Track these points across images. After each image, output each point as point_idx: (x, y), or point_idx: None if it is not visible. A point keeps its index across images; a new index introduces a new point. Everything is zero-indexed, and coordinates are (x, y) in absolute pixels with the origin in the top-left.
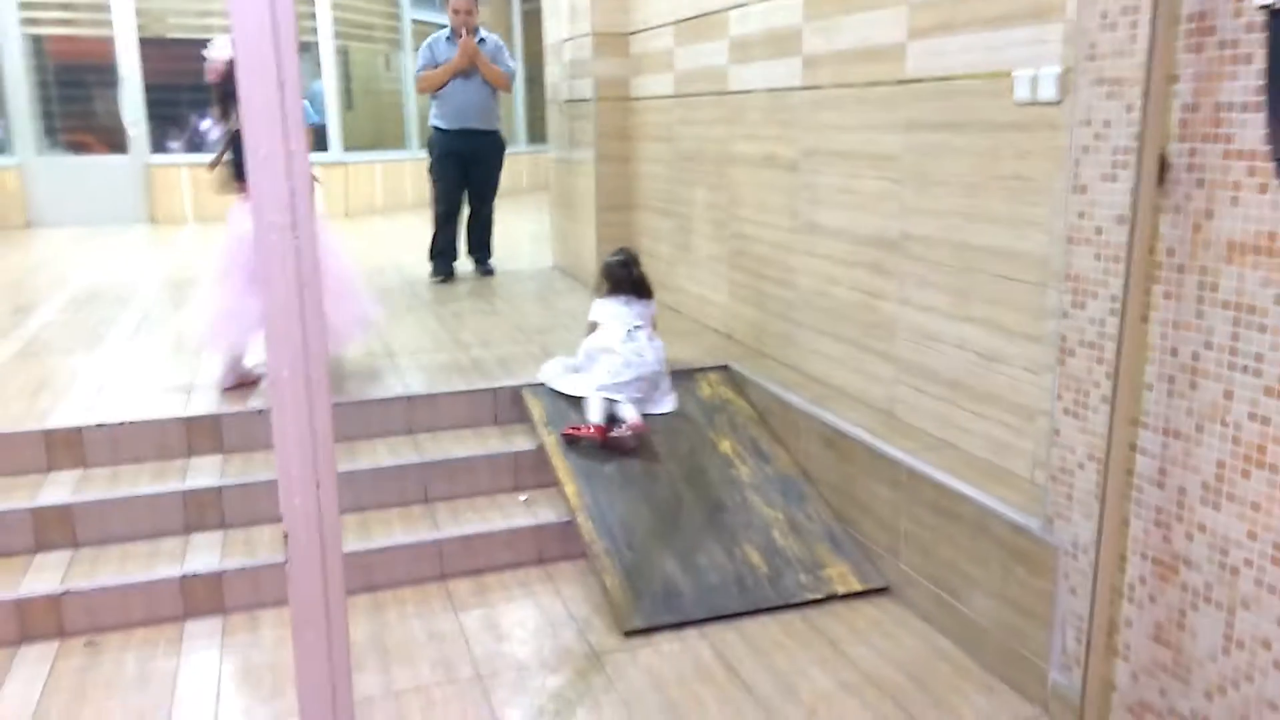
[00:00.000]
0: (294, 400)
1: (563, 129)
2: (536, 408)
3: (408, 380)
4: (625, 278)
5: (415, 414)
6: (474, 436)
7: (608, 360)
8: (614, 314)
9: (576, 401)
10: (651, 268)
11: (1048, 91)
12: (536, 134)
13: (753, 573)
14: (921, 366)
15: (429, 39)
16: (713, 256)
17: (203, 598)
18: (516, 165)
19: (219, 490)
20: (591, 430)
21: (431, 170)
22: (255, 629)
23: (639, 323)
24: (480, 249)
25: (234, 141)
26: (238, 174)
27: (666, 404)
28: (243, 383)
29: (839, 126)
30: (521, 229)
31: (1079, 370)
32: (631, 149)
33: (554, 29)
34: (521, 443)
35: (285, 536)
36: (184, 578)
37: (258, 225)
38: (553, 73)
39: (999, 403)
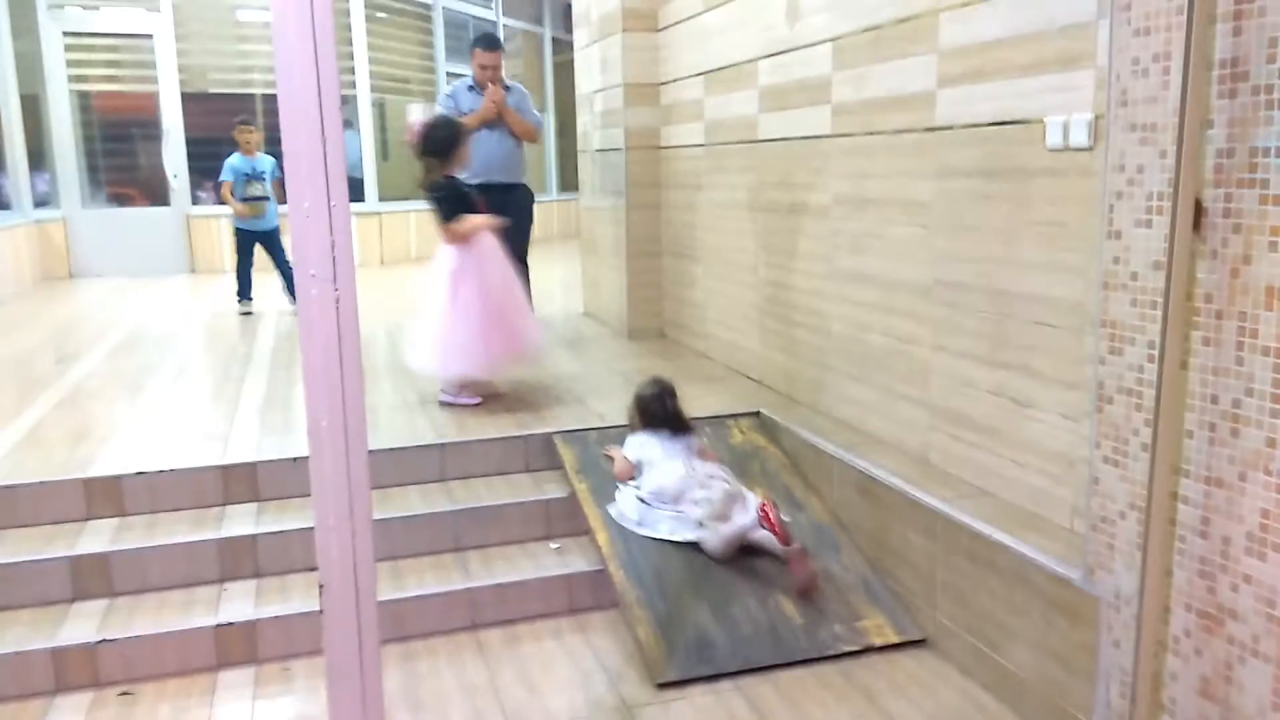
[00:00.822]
0: (332, 450)
1: (594, 177)
2: (568, 455)
3: (440, 428)
4: (660, 412)
5: (448, 461)
6: (505, 484)
7: (692, 495)
8: (663, 452)
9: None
10: (682, 313)
11: (1079, 138)
12: (567, 182)
13: (787, 623)
14: (956, 413)
15: (450, 88)
16: (744, 302)
17: (236, 647)
18: (548, 213)
19: (254, 538)
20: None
21: None
22: (288, 679)
23: (693, 454)
24: None
25: (436, 190)
26: (443, 218)
27: (752, 510)
28: (464, 402)
29: (869, 174)
30: (552, 275)
31: (1117, 417)
32: (662, 196)
33: (586, 80)
34: (553, 490)
35: (320, 587)
36: (218, 627)
37: (300, 277)
38: (584, 122)
39: (1036, 450)
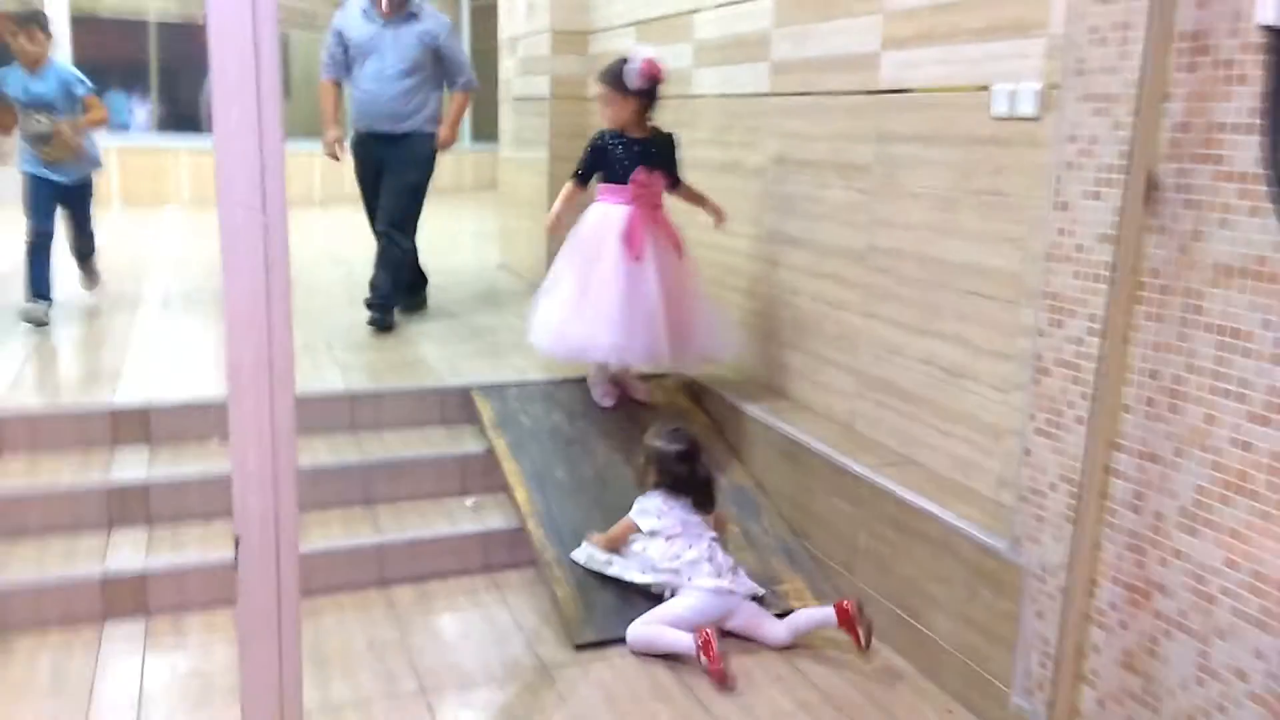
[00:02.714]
0: (255, 391)
1: (514, 126)
2: (486, 409)
3: (350, 376)
4: (686, 477)
5: (358, 412)
6: (419, 437)
7: (701, 573)
8: (683, 527)
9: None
10: None
11: (1027, 106)
12: (481, 132)
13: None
14: (884, 381)
15: (336, 17)
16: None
17: (125, 598)
18: (460, 164)
19: (145, 486)
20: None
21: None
22: (181, 633)
23: (713, 534)
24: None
25: (594, 148)
26: (602, 176)
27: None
28: (623, 393)
29: (808, 135)
30: (465, 227)
31: (1054, 390)
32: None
33: (509, 24)
34: (470, 445)
35: (236, 540)
36: (105, 577)
37: (223, 203)
38: (506, 68)
39: (965, 420)
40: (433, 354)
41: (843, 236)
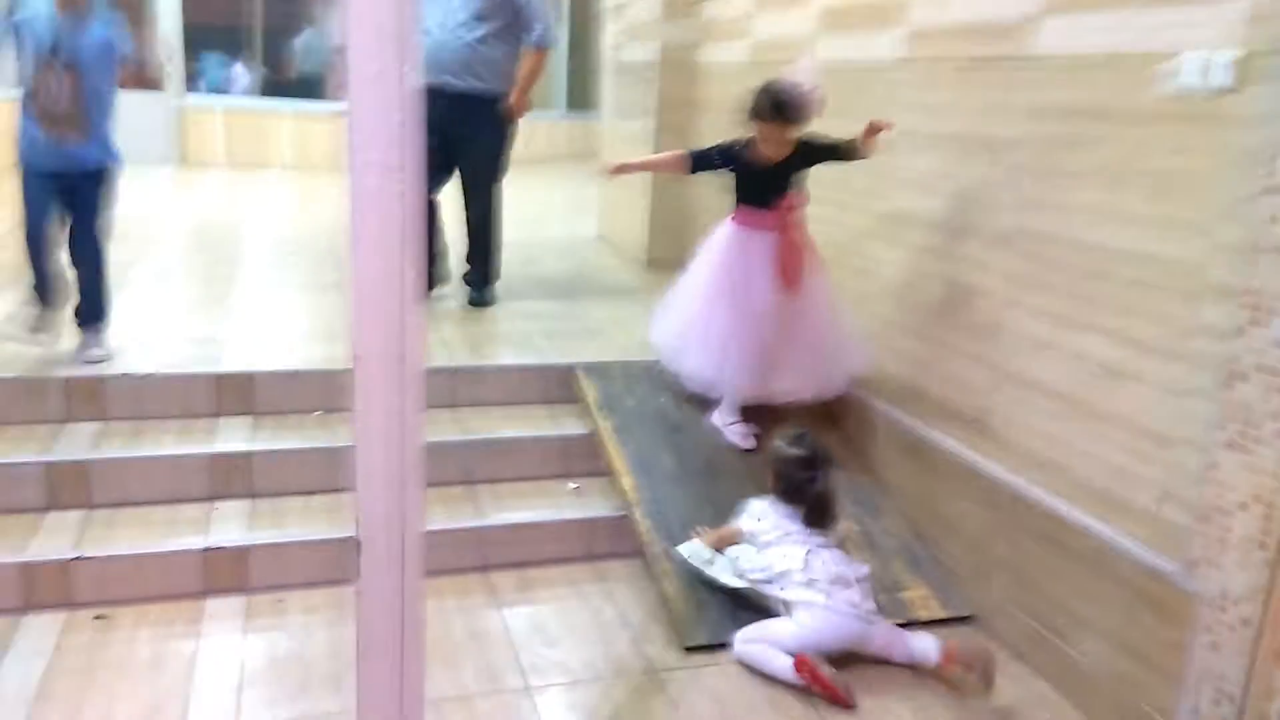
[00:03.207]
0: (385, 383)
1: (617, 96)
2: (590, 390)
3: (451, 351)
4: (801, 486)
5: (459, 388)
6: (521, 416)
7: (793, 582)
8: (777, 526)
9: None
10: None
11: (1221, 78)
12: (578, 100)
13: None
14: (1026, 376)
15: None
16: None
17: (226, 573)
18: (554, 133)
19: (249, 456)
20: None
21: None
22: (281, 612)
23: (821, 541)
24: (476, 266)
25: (729, 157)
26: (740, 195)
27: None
28: (739, 441)
29: (945, 107)
30: (560, 199)
31: (1250, 398)
32: (695, 119)
33: None
34: (572, 426)
35: (358, 545)
36: (207, 550)
37: (354, 162)
38: (610, 34)
39: (1123, 424)
40: (532, 329)
41: (982, 217)
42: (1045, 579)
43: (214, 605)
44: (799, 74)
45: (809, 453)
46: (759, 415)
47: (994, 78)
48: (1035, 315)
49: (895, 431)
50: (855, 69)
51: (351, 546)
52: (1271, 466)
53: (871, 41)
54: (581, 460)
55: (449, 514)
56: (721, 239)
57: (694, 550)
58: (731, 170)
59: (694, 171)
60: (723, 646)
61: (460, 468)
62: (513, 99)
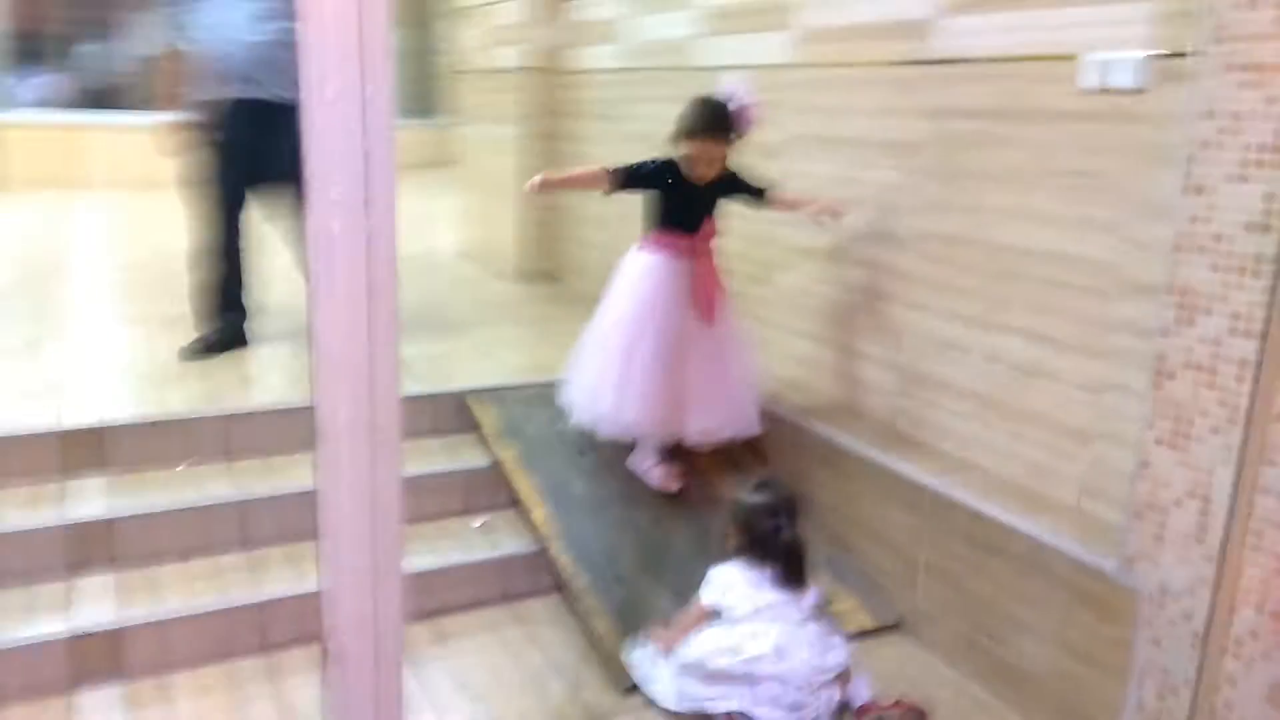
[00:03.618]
0: (353, 455)
1: (479, 101)
2: (487, 418)
3: None
4: (769, 538)
5: None
6: (413, 451)
7: (770, 687)
8: (756, 600)
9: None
10: (586, 257)
11: (1124, 79)
12: (422, 105)
13: None
14: (936, 378)
15: None
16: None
17: (98, 659)
18: (399, 140)
19: (109, 522)
20: None
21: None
22: (169, 699)
23: (800, 615)
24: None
25: (658, 174)
26: (663, 218)
27: (863, 687)
28: (661, 484)
29: (841, 111)
30: (413, 211)
31: (1181, 395)
32: (564, 126)
33: None
34: (470, 458)
35: (325, 651)
36: (73, 636)
37: (313, 202)
38: (472, 37)
39: (1040, 422)
40: (412, 355)
41: (884, 220)
42: (974, 582)
43: (87, 699)
44: (733, 88)
45: (772, 498)
46: (679, 454)
47: (894, 80)
48: (941, 317)
49: (807, 442)
50: (744, 73)
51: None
52: (1205, 463)
53: (757, 44)
54: (485, 494)
55: None
56: (639, 269)
57: (640, 658)
58: (659, 189)
59: (617, 190)
60: None
61: None
62: None
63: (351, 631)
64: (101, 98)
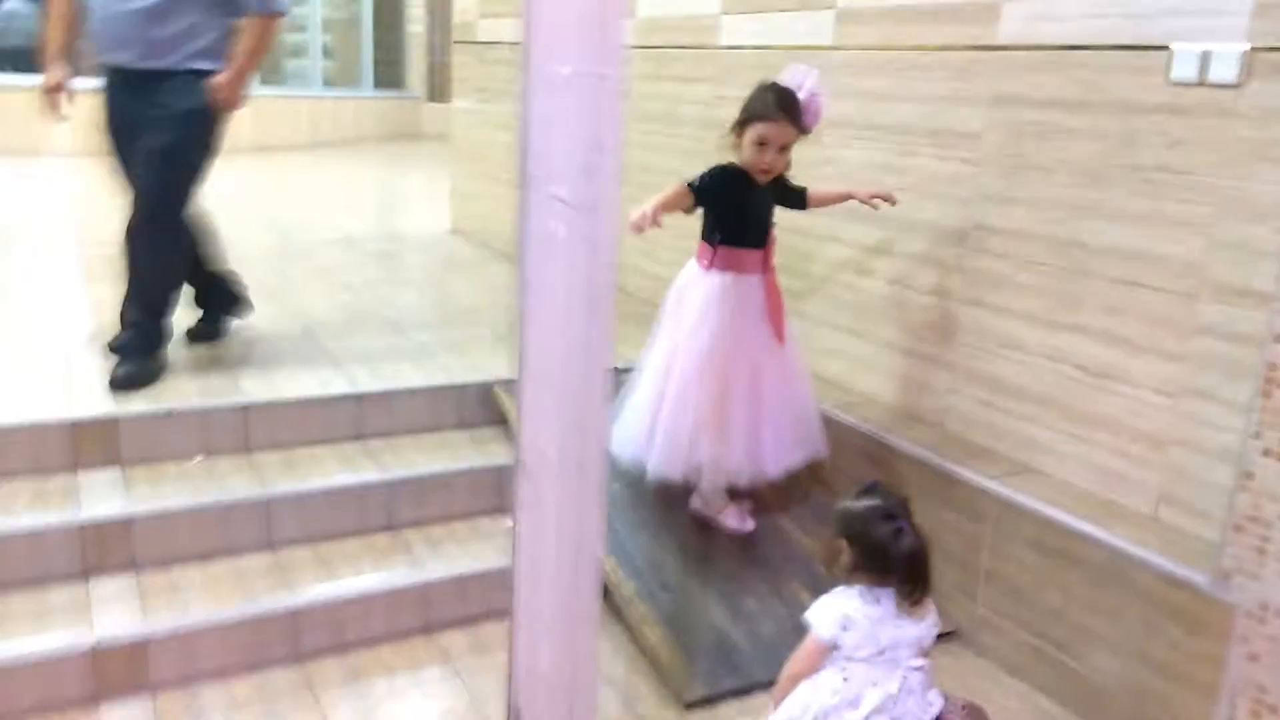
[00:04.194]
0: (561, 496)
1: (476, 75)
2: (516, 410)
3: (351, 371)
4: (889, 546)
5: (366, 417)
6: (439, 445)
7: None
8: (879, 638)
9: None
10: None
11: (1224, 72)
12: (387, 77)
13: None
14: (992, 377)
15: None
16: (689, 233)
17: (122, 672)
18: (363, 112)
19: (128, 521)
20: None
21: None
22: (198, 712)
23: (916, 663)
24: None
25: (723, 179)
26: (724, 232)
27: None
28: (735, 525)
29: (887, 97)
30: (392, 186)
31: None
32: None
33: None
34: (500, 453)
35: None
36: (95, 646)
37: (529, 199)
38: (464, 10)
39: (1110, 427)
40: (428, 341)
41: (935, 212)
42: (1042, 591)
43: (111, 714)
44: (802, 76)
45: (885, 501)
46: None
47: (949, 65)
48: (1000, 314)
49: (854, 442)
50: (774, 53)
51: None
52: None
53: (792, 25)
54: None
55: (380, 566)
56: (709, 292)
57: None
58: (729, 197)
59: (697, 205)
60: (725, 696)
61: (384, 512)
62: (218, 81)
63: (541, 695)
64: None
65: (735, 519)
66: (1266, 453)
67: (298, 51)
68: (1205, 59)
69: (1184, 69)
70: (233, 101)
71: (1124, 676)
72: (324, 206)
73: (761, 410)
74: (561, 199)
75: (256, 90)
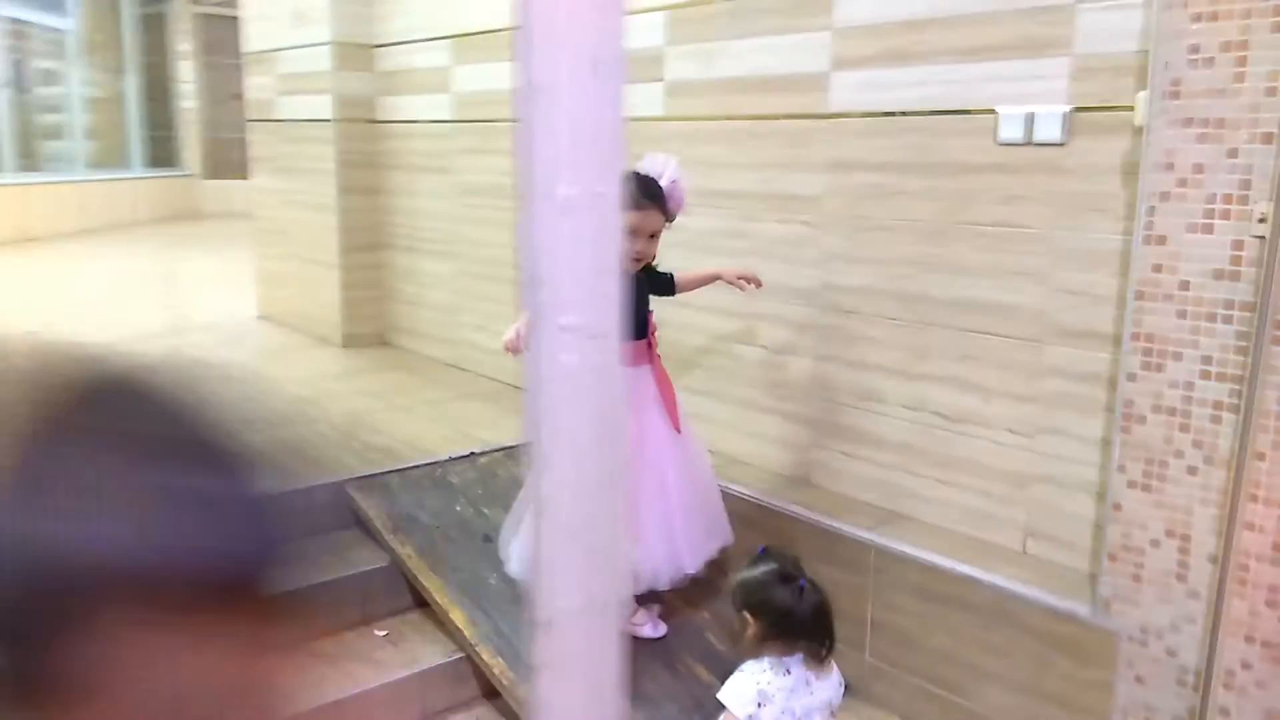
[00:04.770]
0: (586, 649)
1: (277, 153)
2: (372, 510)
3: None
4: (794, 607)
5: None
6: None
7: None
8: (790, 707)
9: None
10: (418, 317)
11: (1049, 132)
12: (159, 156)
13: (706, 690)
14: (853, 429)
15: None
16: (515, 305)
17: None
18: (136, 194)
19: None
20: None
21: None
22: None
23: (829, 711)
24: None
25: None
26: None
27: None
28: (650, 633)
29: (723, 164)
30: (189, 272)
31: (1152, 438)
32: (385, 179)
33: (260, 34)
34: (361, 559)
35: None
36: None
37: (540, 329)
38: (259, 86)
39: (972, 469)
40: (261, 443)
41: (782, 274)
42: (928, 635)
43: None
44: (661, 164)
45: (780, 564)
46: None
47: (780, 134)
48: (852, 368)
49: (737, 508)
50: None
51: None
52: (1182, 503)
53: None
54: (385, 599)
55: None
56: None
57: None
58: None
59: None
60: None
61: None
62: None
63: None
64: None
65: (651, 627)
66: (1131, 484)
67: (56, 133)
68: (1030, 120)
69: (1010, 130)
70: None
71: (1019, 711)
72: (109, 299)
73: (672, 505)
74: (573, 328)
75: (12, 178)
